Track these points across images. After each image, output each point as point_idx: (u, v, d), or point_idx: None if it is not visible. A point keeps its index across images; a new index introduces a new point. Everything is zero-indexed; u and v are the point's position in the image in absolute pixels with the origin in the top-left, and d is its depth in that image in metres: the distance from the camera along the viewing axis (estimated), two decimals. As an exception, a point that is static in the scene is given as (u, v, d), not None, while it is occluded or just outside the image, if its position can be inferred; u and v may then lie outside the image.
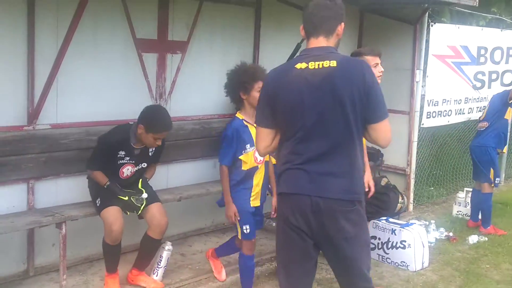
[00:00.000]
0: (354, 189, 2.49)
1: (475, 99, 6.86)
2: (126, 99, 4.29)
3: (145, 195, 3.79)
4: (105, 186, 3.67)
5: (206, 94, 4.93)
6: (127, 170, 3.78)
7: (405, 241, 4.62)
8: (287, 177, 2.54)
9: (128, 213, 3.78)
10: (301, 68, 2.43)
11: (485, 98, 7.01)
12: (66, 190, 4.02)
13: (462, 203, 6.19)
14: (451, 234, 5.48)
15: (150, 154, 3.85)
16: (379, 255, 4.81)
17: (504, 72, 7.34)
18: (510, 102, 5.71)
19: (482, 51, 6.79)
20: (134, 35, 4.26)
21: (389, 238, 4.74)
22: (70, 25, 3.77)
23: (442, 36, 6.13)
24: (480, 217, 5.78)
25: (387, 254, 4.76)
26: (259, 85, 3.54)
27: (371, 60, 3.72)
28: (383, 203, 5.69)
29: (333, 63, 2.39)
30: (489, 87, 7.03)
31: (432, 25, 5.95)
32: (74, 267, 4.17)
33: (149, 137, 3.63)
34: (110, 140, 3.68)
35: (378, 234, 4.82)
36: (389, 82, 6.18)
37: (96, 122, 4.09)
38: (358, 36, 6.46)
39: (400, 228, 4.68)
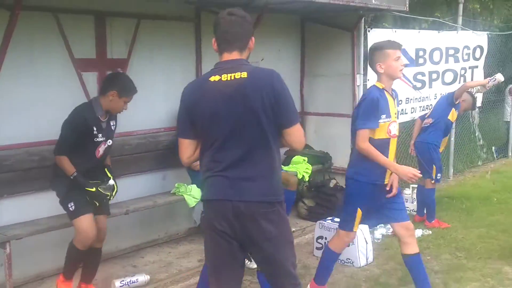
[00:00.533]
0: (272, 191, 2.66)
1: (416, 99, 7.15)
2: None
3: (111, 182, 3.83)
4: (72, 177, 3.64)
5: (151, 109, 5.05)
6: (101, 149, 3.81)
7: (348, 239, 4.80)
8: (209, 184, 2.69)
9: (98, 203, 3.82)
10: (215, 80, 2.59)
11: (427, 97, 7.33)
12: (11, 210, 4.07)
13: (409, 199, 6.44)
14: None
15: (113, 128, 3.91)
16: (326, 254, 4.98)
17: (444, 72, 7.68)
18: (456, 103, 5.91)
19: (421, 53, 7.10)
20: (72, 55, 4.36)
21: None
22: (1, 47, 3.80)
23: (380, 40, 6.37)
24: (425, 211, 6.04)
25: (334, 252, 4.94)
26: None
27: (392, 53, 3.64)
28: (331, 204, 5.94)
29: (244, 74, 2.56)
30: (430, 86, 7.35)
31: (369, 31, 6.21)
32: (25, 285, 4.22)
33: (121, 101, 3.76)
34: (82, 117, 3.67)
35: (324, 234, 5.00)
36: (331, 87, 6.50)
37: (37, 142, 4.17)
38: (300, 45, 6.70)
39: (343, 227, 4.86)
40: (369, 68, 6.22)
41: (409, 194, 6.44)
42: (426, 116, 6.18)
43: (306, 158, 6.11)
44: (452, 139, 8.22)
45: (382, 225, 5.79)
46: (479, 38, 8.42)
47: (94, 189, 3.74)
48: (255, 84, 2.58)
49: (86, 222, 3.67)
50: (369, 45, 6.21)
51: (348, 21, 6.12)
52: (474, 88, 6.25)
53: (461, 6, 7.99)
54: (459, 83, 8.02)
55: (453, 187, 7.68)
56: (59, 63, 4.32)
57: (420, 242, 5.32)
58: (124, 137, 4.74)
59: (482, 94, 8.20)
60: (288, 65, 6.52)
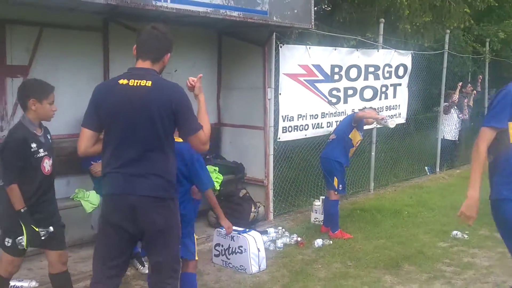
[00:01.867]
0: (164, 188, 2.99)
1: (332, 113, 7.42)
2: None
3: (51, 229, 3.62)
4: (22, 211, 3.45)
5: (56, 115, 5.10)
6: (47, 164, 3.61)
7: (241, 246, 4.97)
8: (106, 180, 3.00)
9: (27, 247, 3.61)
10: (122, 83, 2.91)
11: (343, 112, 7.60)
12: None
13: (318, 210, 6.66)
14: (299, 239, 5.89)
15: (50, 141, 3.75)
16: (222, 260, 5.13)
17: (363, 88, 8.00)
18: (353, 125, 6.16)
19: (336, 69, 7.39)
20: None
21: (229, 244, 5.07)
22: None
23: (293, 56, 6.65)
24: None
25: (229, 259, 5.09)
26: None
27: None
28: (237, 213, 6.10)
29: (149, 83, 2.89)
30: (345, 102, 7.63)
31: (281, 46, 6.45)
32: None
33: (45, 105, 3.55)
34: (16, 138, 3.48)
35: (221, 241, 5.15)
36: (245, 100, 6.70)
37: None
38: (217, 57, 6.90)
39: (238, 235, 5.03)
40: (281, 82, 6.50)
41: (319, 205, 6.66)
42: (331, 132, 6.46)
43: (217, 168, 6.27)
44: (373, 153, 8.54)
45: (288, 234, 5.99)
46: (403, 57, 8.81)
47: (37, 229, 3.54)
48: (156, 93, 2.90)
49: (14, 262, 3.67)
50: (281, 60, 6.49)
51: (260, 36, 6.33)
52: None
53: (381, 26, 8.33)
54: (380, 99, 8.40)
55: (369, 200, 7.96)
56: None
57: (319, 252, 5.59)
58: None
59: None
60: (204, 77, 6.57)
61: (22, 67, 4.86)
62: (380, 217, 6.97)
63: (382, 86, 8.40)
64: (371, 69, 8.10)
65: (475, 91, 11.39)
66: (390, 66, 8.53)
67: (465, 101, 10.85)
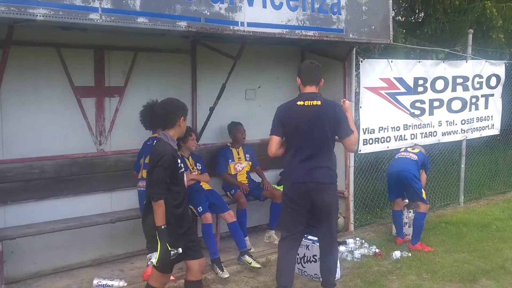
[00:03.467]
0: (331, 175, 4.33)
1: (416, 125, 7.37)
2: (67, 137, 5.11)
3: (179, 250, 3.68)
4: (162, 227, 3.58)
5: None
6: (185, 178, 3.88)
7: (316, 255, 5.16)
8: (291, 172, 4.25)
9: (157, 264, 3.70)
10: (300, 104, 4.23)
11: (428, 124, 7.53)
12: (14, 215, 4.82)
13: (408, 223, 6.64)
14: (377, 250, 5.95)
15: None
16: (298, 269, 5.32)
17: (451, 100, 7.84)
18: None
19: (421, 81, 7.34)
20: (72, 84, 5.10)
21: (304, 253, 5.29)
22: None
23: (374, 70, 6.74)
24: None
25: (304, 268, 5.31)
26: None
27: None
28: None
29: (319, 102, 4.21)
30: (431, 113, 7.54)
31: (361, 61, 6.58)
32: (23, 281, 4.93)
33: (184, 124, 3.85)
34: (168, 154, 3.64)
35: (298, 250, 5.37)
36: (327, 114, 6.85)
37: (39, 157, 4.92)
38: (300, 73, 7.15)
39: (312, 244, 5.23)
40: (362, 95, 6.62)
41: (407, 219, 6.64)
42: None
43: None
44: (462, 166, 8.30)
45: (367, 246, 6.08)
46: (495, 67, 8.50)
47: (170, 249, 3.62)
48: (324, 109, 4.20)
49: (161, 279, 3.90)
50: (361, 74, 6.62)
51: (340, 52, 6.51)
52: None
53: (470, 36, 8.13)
54: (470, 110, 8.17)
55: (457, 213, 7.75)
56: (60, 91, 5.09)
57: (396, 263, 5.65)
58: (119, 155, 5.53)
59: None
60: (286, 91, 6.97)
61: (118, 88, 5.47)
62: (465, 230, 6.81)
63: (472, 97, 8.16)
64: (459, 80, 7.93)
65: None
66: (481, 76, 8.27)
67: None
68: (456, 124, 8.01)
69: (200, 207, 5.40)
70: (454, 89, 7.87)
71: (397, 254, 5.85)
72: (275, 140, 4.26)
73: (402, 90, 7.12)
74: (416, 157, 6.32)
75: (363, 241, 6.23)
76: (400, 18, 11.59)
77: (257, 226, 6.69)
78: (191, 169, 5.63)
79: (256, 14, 4.78)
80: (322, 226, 4.39)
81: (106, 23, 3.89)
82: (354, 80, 6.64)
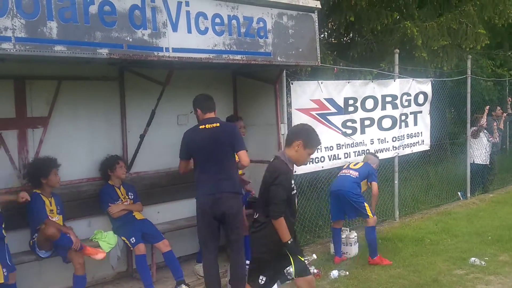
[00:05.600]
0: (235, 185, 4.94)
1: (349, 144, 7.53)
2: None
3: (314, 256, 4.07)
4: (289, 242, 3.65)
5: (74, 160, 5.48)
6: (296, 200, 3.92)
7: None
8: (201, 186, 4.85)
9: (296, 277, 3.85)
10: (203, 128, 4.92)
11: (361, 143, 7.71)
12: None
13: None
14: (315, 271, 5.95)
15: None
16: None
17: (381, 118, 8.08)
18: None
19: (351, 101, 7.53)
20: (-7, 115, 4.87)
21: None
22: None
23: (304, 91, 6.85)
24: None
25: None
26: None
27: None
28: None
29: (218, 124, 4.94)
30: (363, 132, 7.74)
31: (292, 83, 6.68)
32: None
33: (306, 153, 3.88)
34: (284, 171, 3.74)
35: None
36: (261, 136, 6.92)
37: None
38: (233, 97, 7.18)
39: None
40: (294, 117, 6.70)
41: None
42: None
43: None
44: (396, 182, 8.53)
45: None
46: (422, 85, 8.86)
47: (302, 259, 3.78)
48: (222, 129, 4.95)
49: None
50: (292, 96, 6.71)
51: (271, 75, 6.58)
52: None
53: (396, 56, 8.45)
54: (400, 128, 8.44)
55: (393, 229, 7.93)
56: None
57: (333, 283, 5.68)
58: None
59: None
60: (221, 115, 6.92)
61: (42, 118, 5.26)
62: (401, 245, 6.96)
63: (402, 114, 8.46)
64: (388, 99, 8.19)
65: (505, 114, 11.21)
66: (409, 94, 8.59)
67: (495, 124, 10.70)
68: (387, 142, 8.25)
69: (133, 238, 5.25)
70: (383, 108, 8.12)
71: (334, 273, 5.89)
72: (183, 163, 4.98)
73: (333, 110, 7.27)
74: (357, 173, 6.46)
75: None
76: (332, 39, 11.95)
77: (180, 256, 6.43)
78: (123, 199, 5.49)
79: (181, 39, 4.75)
80: (232, 233, 4.88)
81: (21, 52, 3.74)
82: (286, 102, 6.71)
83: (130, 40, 4.35)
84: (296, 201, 3.97)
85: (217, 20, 5.06)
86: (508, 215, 8.63)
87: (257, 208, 3.99)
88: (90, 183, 5.62)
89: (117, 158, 5.51)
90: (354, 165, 6.69)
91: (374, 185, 6.50)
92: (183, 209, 6.12)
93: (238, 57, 5.29)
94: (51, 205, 4.97)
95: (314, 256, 3.91)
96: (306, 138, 3.92)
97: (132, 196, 5.61)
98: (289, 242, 3.71)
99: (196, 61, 4.95)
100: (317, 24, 6.07)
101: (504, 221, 8.15)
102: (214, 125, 4.91)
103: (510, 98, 11.82)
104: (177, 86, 6.00)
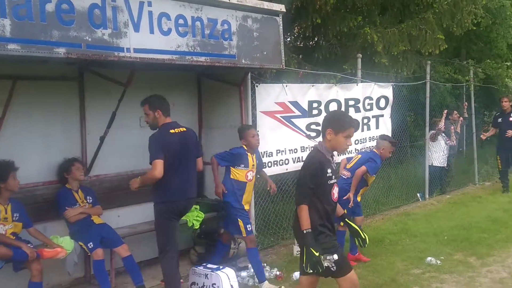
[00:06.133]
0: (197, 190, 5.30)
1: (312, 147, 7.54)
2: None
3: (335, 257, 3.60)
4: (305, 231, 3.55)
5: (29, 163, 5.28)
6: (335, 191, 3.76)
7: (215, 284, 5.06)
8: (172, 191, 4.86)
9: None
10: (172, 132, 4.92)
11: (324, 146, 7.75)
12: None
13: (300, 243, 6.72)
14: (278, 273, 5.96)
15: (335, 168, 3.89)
16: (198, 299, 5.21)
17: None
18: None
19: (315, 105, 7.57)
20: None
21: (204, 282, 5.16)
22: None
23: (269, 94, 6.84)
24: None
25: (204, 297, 5.18)
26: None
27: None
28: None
29: (184, 129, 5.04)
30: (326, 135, 7.77)
31: (256, 86, 6.65)
32: None
33: (340, 138, 3.71)
34: (317, 161, 3.67)
35: (196, 280, 5.24)
36: (226, 138, 6.85)
37: None
38: (197, 98, 7.10)
39: (211, 272, 5.12)
40: (258, 120, 6.67)
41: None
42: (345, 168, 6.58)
43: (198, 206, 6.38)
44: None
45: (267, 268, 6.06)
46: (384, 89, 8.99)
47: (318, 254, 3.52)
48: (189, 134, 5.09)
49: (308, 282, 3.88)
50: (257, 99, 6.68)
51: (235, 77, 6.54)
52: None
53: (359, 60, 8.56)
54: (362, 131, 8.54)
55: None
56: None
57: (295, 284, 5.64)
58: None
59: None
60: (184, 117, 6.85)
61: (-5, 119, 5.04)
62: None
63: (364, 118, 8.56)
64: (351, 102, 8.28)
65: (461, 118, 11.52)
66: (371, 98, 8.71)
67: (452, 127, 10.97)
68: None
69: (91, 243, 5.10)
70: (346, 111, 8.19)
71: (296, 275, 5.87)
72: (161, 163, 4.69)
73: (298, 113, 7.29)
74: (348, 173, 6.36)
75: (265, 264, 6.22)
76: (298, 43, 12.01)
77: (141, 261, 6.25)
78: (81, 203, 5.34)
79: (143, 39, 4.65)
80: None
81: (-28, 50, 3.58)
82: (251, 104, 6.68)
83: (89, 39, 4.22)
84: (336, 190, 3.81)
85: (181, 21, 4.98)
86: (463, 215, 8.88)
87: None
88: (46, 187, 5.44)
89: (73, 160, 5.36)
90: (350, 163, 6.56)
91: (370, 177, 6.30)
92: (145, 212, 5.97)
93: (202, 59, 5.22)
94: (6, 213, 4.74)
95: (335, 256, 3.58)
96: (333, 123, 3.78)
97: (91, 200, 5.45)
98: (305, 231, 3.58)
99: (158, 62, 4.84)
100: (281, 27, 6.07)
101: (460, 221, 8.37)
102: (182, 129, 4.98)
103: (466, 103, 12.15)
104: (140, 88, 5.86)
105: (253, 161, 5.86)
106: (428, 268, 6.04)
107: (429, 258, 6.26)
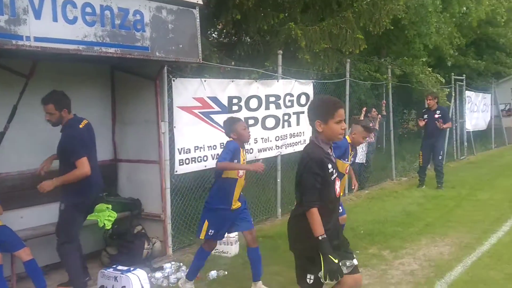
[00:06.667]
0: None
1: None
2: None
3: (355, 262, 3.34)
4: (320, 238, 3.19)
5: None
6: (338, 186, 3.44)
7: (125, 287, 4.84)
8: (91, 186, 5.02)
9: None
10: (82, 126, 5.01)
11: (244, 142, 7.67)
12: None
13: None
14: (194, 272, 5.82)
15: (334, 160, 3.56)
16: (107, 302, 4.97)
17: (265, 118, 8.13)
18: None
19: (235, 100, 7.48)
20: None
21: (113, 285, 4.93)
22: None
23: (187, 89, 6.66)
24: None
25: (113, 300, 4.94)
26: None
27: None
28: (130, 250, 5.95)
29: (87, 121, 5.07)
30: (247, 132, 7.70)
31: (173, 80, 6.45)
32: None
33: (331, 125, 3.37)
34: (318, 158, 3.31)
35: (105, 283, 5.00)
36: (140, 134, 6.61)
37: None
38: (111, 92, 6.80)
39: (121, 275, 4.89)
40: (175, 115, 6.48)
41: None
42: None
43: (110, 206, 6.10)
44: (279, 180, 8.65)
45: (183, 268, 5.90)
46: (305, 86, 9.06)
47: (337, 260, 3.22)
48: (91, 126, 5.16)
49: None
50: (174, 93, 6.48)
51: (151, 71, 6.31)
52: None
53: (279, 57, 8.56)
54: (283, 127, 8.57)
55: (275, 227, 8.02)
56: None
57: (211, 284, 5.60)
58: None
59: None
60: (98, 112, 6.58)
61: None
62: (280, 242, 7.02)
63: (284, 114, 8.59)
64: (272, 99, 8.27)
65: (380, 115, 11.88)
66: (291, 95, 8.75)
67: (371, 125, 11.26)
68: (271, 141, 8.33)
69: None
70: (267, 107, 8.18)
71: (213, 274, 5.79)
72: (87, 160, 4.81)
73: (217, 109, 7.16)
74: None
75: (181, 264, 6.08)
76: (222, 39, 11.90)
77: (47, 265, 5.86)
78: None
79: (45, 28, 4.34)
80: None
81: None
82: (167, 99, 6.48)
83: (-17, 26, 3.88)
84: (337, 185, 3.50)
85: (88, 9, 4.71)
86: (380, 210, 9.16)
87: (296, 199, 3.52)
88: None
89: None
90: None
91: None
92: (50, 213, 5.61)
93: (112, 50, 4.96)
94: None
95: (355, 261, 3.37)
96: (319, 113, 3.43)
97: (-10, 200, 5.04)
98: (321, 237, 3.22)
99: (63, 52, 4.54)
100: (198, 20, 5.91)
101: (377, 216, 8.62)
102: (86, 121, 5.07)
103: (384, 101, 12.56)
104: (46, 79, 5.53)
105: (244, 156, 5.28)
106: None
107: (349, 252, 6.36)
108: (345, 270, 3.24)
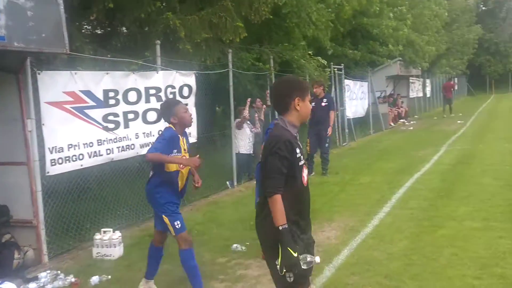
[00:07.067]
0: None
1: (112, 140, 7.06)
2: None
3: (318, 260, 3.12)
4: (281, 228, 2.98)
5: None
6: (305, 174, 3.28)
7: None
8: None
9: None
10: None
11: (125, 137, 7.31)
12: None
13: (99, 244, 6.23)
14: (73, 279, 5.42)
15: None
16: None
17: (146, 111, 7.79)
18: None
19: (112, 94, 7.07)
20: None
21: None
22: None
23: (56, 83, 6.16)
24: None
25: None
26: None
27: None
28: (-2, 262, 5.39)
29: None
30: (127, 126, 7.34)
31: (38, 73, 5.92)
32: None
33: (306, 102, 3.30)
34: (284, 138, 3.13)
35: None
36: (3, 134, 6.02)
37: None
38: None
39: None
40: (43, 112, 5.96)
41: (99, 239, 6.22)
42: None
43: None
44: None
45: (62, 276, 5.47)
46: (187, 78, 8.84)
47: (296, 254, 2.98)
48: None
49: None
50: (40, 88, 5.95)
51: (12, 63, 5.73)
52: None
53: (158, 47, 8.26)
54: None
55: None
56: None
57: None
58: None
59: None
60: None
61: None
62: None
63: (167, 107, 8.31)
64: (152, 91, 7.96)
65: (264, 106, 12.01)
66: (173, 87, 8.50)
67: (256, 115, 11.36)
68: (153, 135, 7.99)
69: None
70: (148, 101, 7.85)
71: (95, 279, 5.44)
72: None
73: (92, 103, 6.73)
74: None
75: (59, 272, 5.64)
76: (97, 30, 11.26)
77: None
78: None
79: None
80: None
81: None
82: (33, 94, 5.93)
83: None
84: (305, 173, 3.28)
85: None
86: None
87: (261, 189, 3.22)
88: None
89: None
90: None
91: None
92: None
93: (-42, 40, 4.40)
94: None
95: (318, 259, 3.12)
96: (298, 90, 3.25)
97: None
98: (281, 227, 2.98)
99: None
100: (62, 7, 5.47)
101: (266, 206, 8.66)
102: None
103: (268, 91, 12.71)
104: None
105: (184, 144, 4.71)
106: (233, 255, 6.04)
107: (234, 245, 6.28)
108: (304, 266, 3.04)
